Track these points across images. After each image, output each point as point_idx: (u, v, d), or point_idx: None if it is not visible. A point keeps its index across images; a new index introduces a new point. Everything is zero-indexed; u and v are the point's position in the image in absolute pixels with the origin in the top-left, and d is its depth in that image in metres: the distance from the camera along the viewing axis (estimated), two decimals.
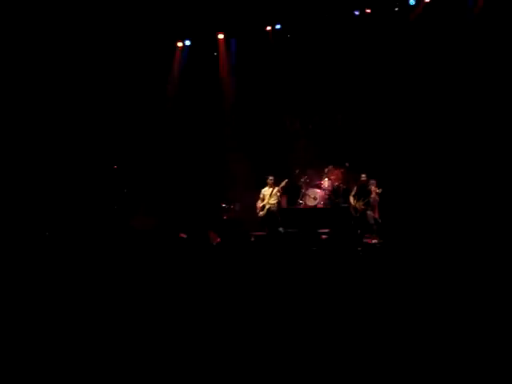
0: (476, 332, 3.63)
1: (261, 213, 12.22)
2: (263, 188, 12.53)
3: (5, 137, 12.79)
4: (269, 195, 12.21)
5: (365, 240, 11.48)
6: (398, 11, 13.01)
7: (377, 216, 11.89)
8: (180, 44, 14.81)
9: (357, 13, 13.21)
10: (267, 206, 12.14)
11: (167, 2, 12.96)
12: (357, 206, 12.01)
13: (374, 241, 11.55)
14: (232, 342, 3.86)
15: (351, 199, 12.16)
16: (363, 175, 12.08)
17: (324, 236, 8.97)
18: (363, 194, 11.96)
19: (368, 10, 13.11)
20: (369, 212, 11.84)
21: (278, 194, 12.34)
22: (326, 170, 13.40)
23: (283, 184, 12.45)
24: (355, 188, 12.21)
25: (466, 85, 12.28)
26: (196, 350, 3.79)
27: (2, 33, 12.25)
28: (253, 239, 9.52)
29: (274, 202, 12.23)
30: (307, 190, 13.42)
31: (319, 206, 13.27)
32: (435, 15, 12.47)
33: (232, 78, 14.67)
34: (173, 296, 4.77)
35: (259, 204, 12.32)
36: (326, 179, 13.38)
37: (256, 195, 12.62)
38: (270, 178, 12.39)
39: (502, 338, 3.54)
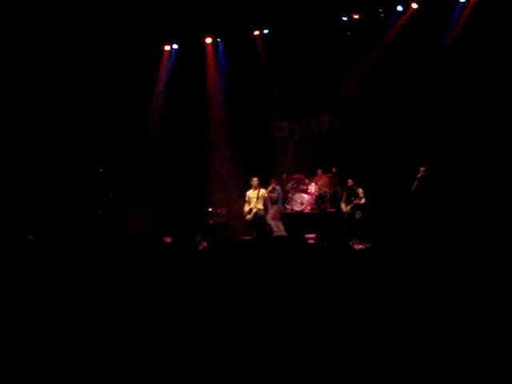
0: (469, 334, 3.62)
1: (248, 216, 11.98)
2: (248, 191, 12.24)
3: None
4: (255, 198, 11.91)
5: (352, 245, 11.50)
6: (384, 17, 13.11)
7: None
8: (167, 48, 14.78)
9: (345, 18, 13.27)
10: (254, 210, 11.90)
11: (154, 5, 12.91)
12: (345, 210, 11.97)
13: (360, 246, 11.56)
14: (219, 348, 3.81)
15: (343, 205, 12.07)
16: (350, 180, 12.05)
17: (311, 241, 8.94)
18: (352, 197, 11.88)
19: (356, 16, 13.21)
20: (356, 215, 11.80)
21: (265, 197, 12.19)
22: (311, 177, 13.46)
23: (270, 188, 12.43)
24: (344, 193, 12.15)
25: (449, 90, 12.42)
26: (183, 357, 3.73)
27: None
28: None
29: (261, 206, 12.04)
30: (294, 194, 13.41)
31: (306, 211, 13.25)
32: (423, 21, 12.55)
33: (219, 82, 14.64)
34: (159, 302, 4.70)
35: (246, 208, 12.10)
36: (313, 184, 13.39)
37: (243, 199, 12.48)
38: (255, 179, 11.96)
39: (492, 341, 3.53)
